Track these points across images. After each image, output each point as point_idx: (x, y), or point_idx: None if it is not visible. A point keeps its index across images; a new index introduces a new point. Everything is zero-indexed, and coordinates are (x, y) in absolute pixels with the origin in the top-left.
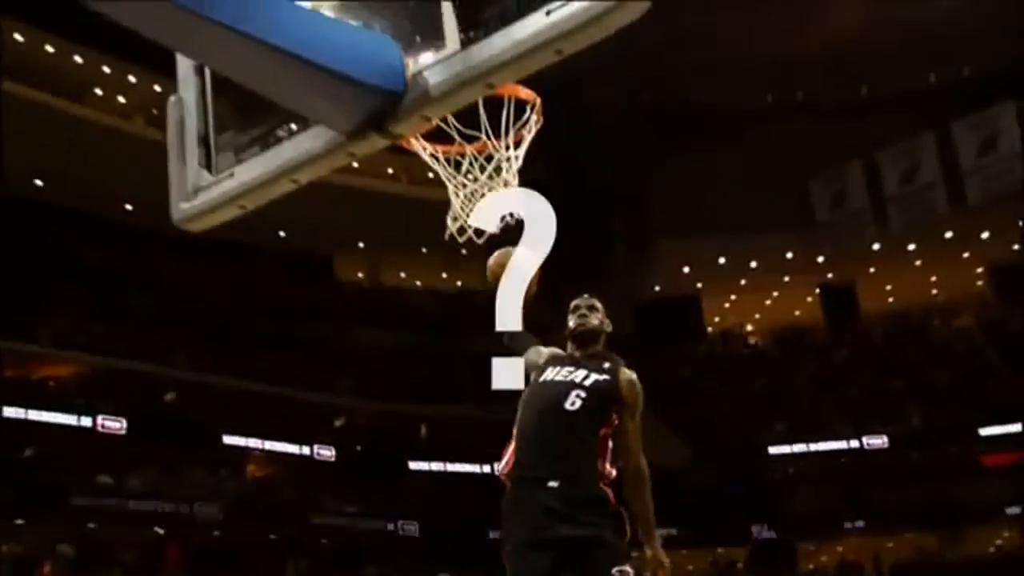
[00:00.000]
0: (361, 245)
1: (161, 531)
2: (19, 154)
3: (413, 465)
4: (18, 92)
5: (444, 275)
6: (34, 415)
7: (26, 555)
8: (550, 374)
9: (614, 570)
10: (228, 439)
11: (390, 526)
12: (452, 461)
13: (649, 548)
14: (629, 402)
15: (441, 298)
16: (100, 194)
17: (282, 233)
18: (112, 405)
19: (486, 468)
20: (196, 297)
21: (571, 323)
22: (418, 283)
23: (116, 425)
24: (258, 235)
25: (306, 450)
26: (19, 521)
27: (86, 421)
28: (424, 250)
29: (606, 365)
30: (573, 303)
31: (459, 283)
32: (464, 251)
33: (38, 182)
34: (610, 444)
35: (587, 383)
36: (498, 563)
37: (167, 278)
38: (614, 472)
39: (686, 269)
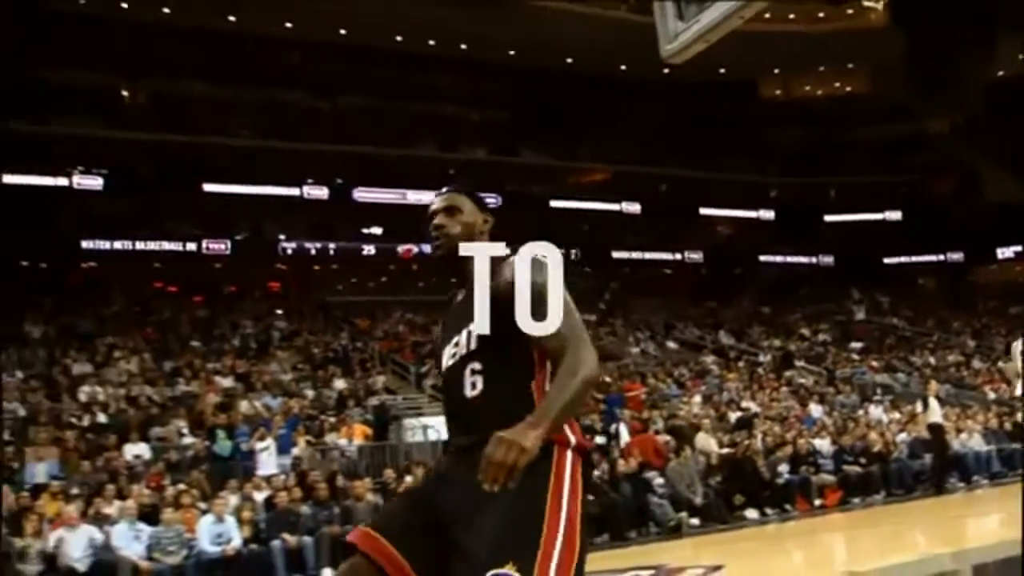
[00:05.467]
0: (776, 71)
1: (668, 271)
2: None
3: (827, 218)
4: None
5: (836, 84)
6: (580, 204)
7: None
8: (444, 356)
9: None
10: (703, 211)
11: (813, 260)
12: (858, 212)
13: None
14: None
15: (834, 100)
16: (603, 60)
17: (722, 70)
18: (630, 195)
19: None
20: (671, 122)
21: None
22: (819, 92)
23: (633, 208)
24: (704, 74)
25: (752, 214)
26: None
27: (614, 207)
28: (821, 68)
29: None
30: (430, 207)
31: (848, 88)
32: (850, 64)
33: (568, 60)
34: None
35: (472, 343)
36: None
37: (652, 113)
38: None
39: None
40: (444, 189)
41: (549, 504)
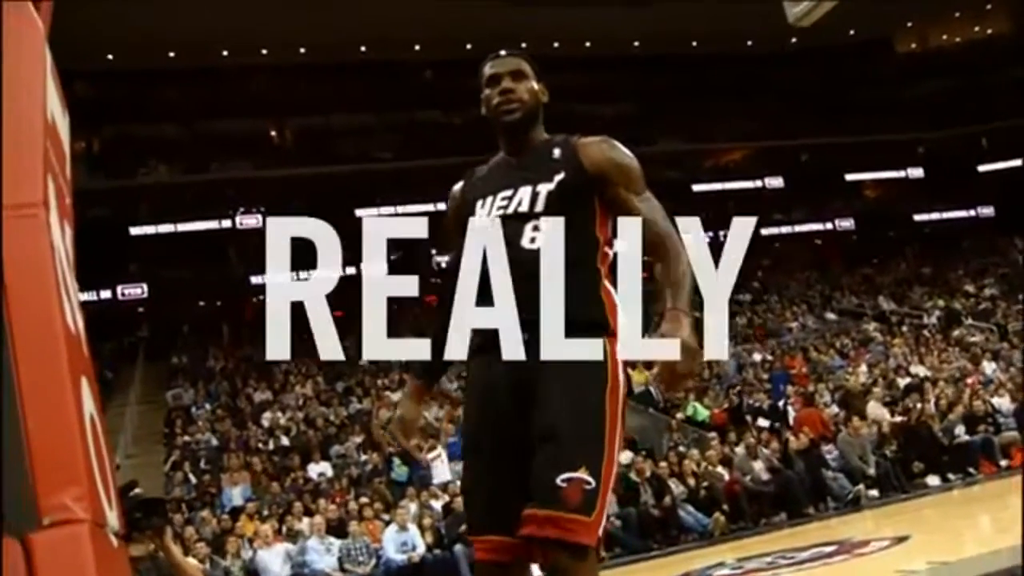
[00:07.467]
0: (909, 24)
1: (819, 242)
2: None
3: (981, 168)
4: None
5: (975, 28)
6: (722, 186)
7: None
8: (481, 212)
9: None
10: (848, 176)
11: (971, 212)
12: (1014, 158)
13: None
14: (612, 174)
15: (975, 45)
16: (729, 38)
17: (852, 32)
18: (772, 170)
19: None
20: (805, 91)
21: (492, 102)
22: (957, 39)
23: (776, 183)
24: (834, 38)
25: (900, 173)
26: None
27: (758, 183)
28: (956, 15)
29: (556, 153)
30: (487, 67)
31: (988, 31)
32: (988, 6)
33: (694, 43)
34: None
35: (539, 202)
36: None
37: (784, 85)
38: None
39: None
40: (502, 52)
41: (608, 404)
